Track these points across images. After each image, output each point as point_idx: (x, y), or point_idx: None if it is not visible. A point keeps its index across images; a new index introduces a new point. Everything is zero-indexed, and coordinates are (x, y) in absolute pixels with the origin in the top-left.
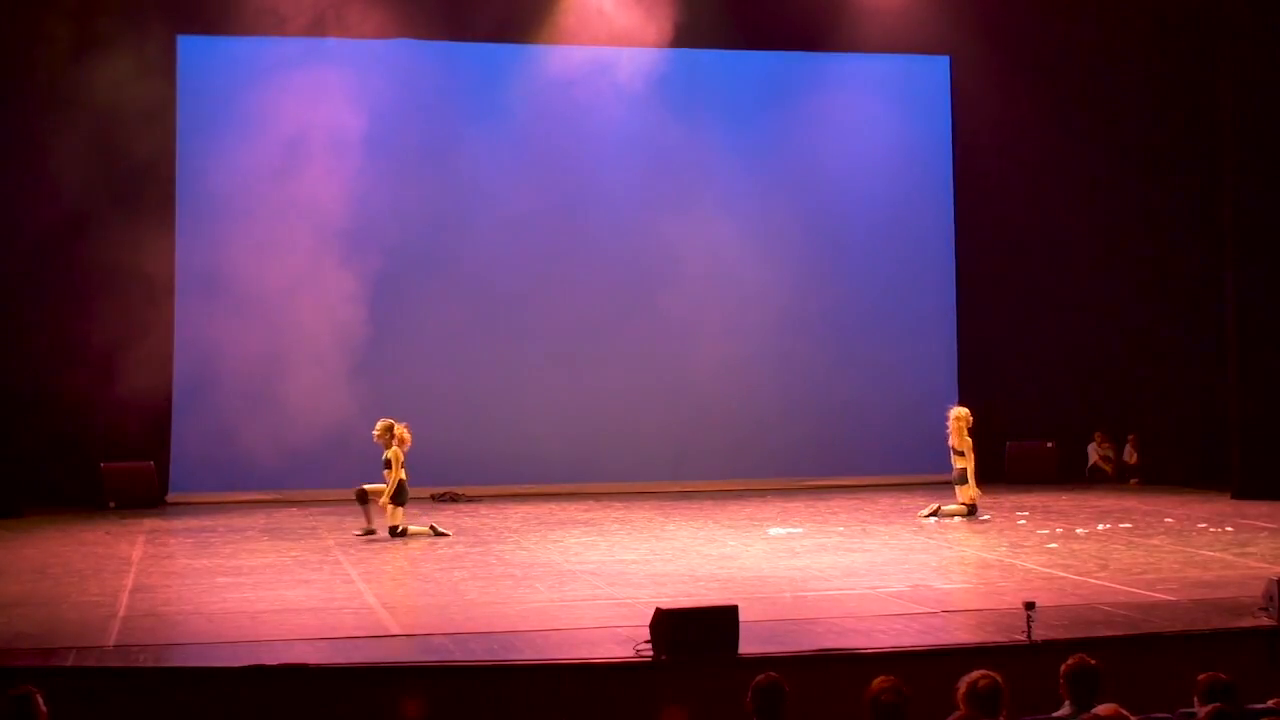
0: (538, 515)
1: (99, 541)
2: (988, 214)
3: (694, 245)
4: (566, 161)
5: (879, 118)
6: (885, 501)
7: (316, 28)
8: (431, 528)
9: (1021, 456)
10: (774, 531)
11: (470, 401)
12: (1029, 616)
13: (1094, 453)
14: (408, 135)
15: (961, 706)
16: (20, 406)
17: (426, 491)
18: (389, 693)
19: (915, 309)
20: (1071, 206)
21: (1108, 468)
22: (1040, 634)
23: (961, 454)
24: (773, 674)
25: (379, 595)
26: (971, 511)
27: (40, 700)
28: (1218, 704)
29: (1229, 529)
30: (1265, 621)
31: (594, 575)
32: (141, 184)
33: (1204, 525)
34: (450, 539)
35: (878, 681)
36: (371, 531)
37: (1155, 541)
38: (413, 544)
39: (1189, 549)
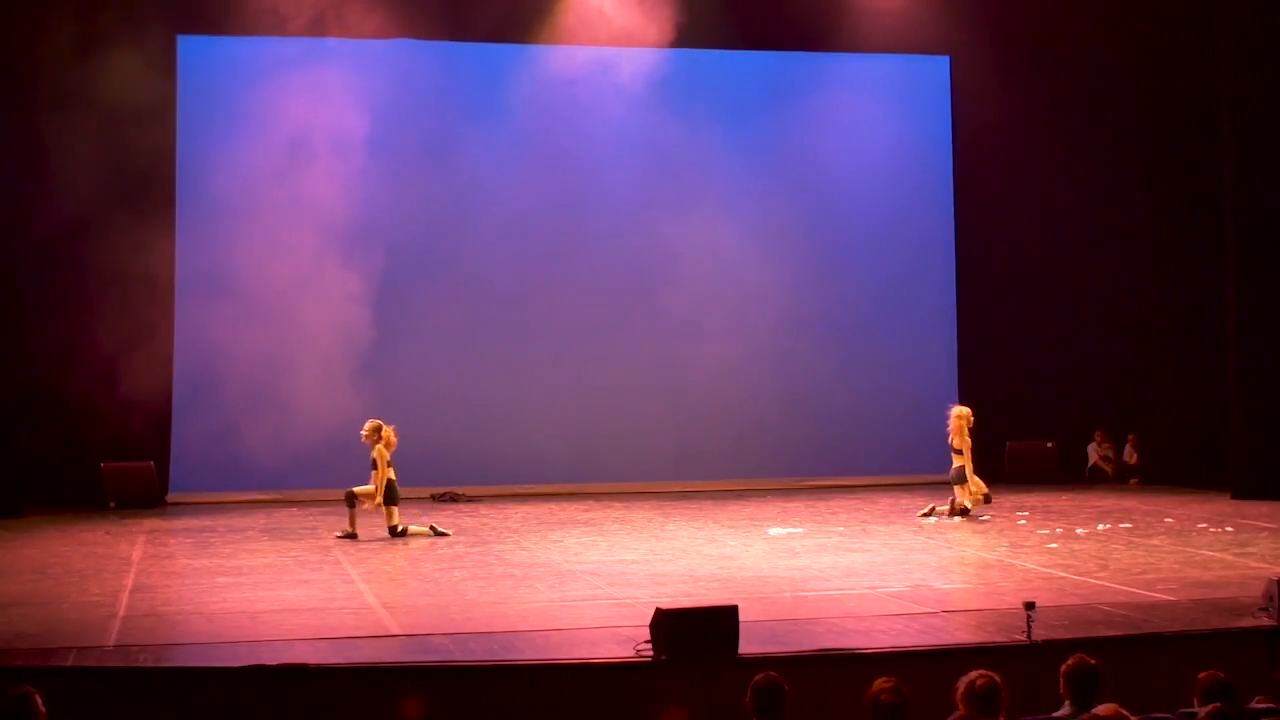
0: (538, 515)
1: (99, 541)
2: (988, 214)
3: (694, 245)
4: (567, 161)
5: (879, 118)
6: (885, 501)
7: (317, 28)
8: (431, 528)
9: (1021, 456)
10: (774, 531)
11: (470, 401)
12: (1029, 616)
13: (1094, 453)
14: (408, 135)
15: (961, 706)
16: (20, 406)
17: (426, 491)
18: (389, 693)
19: (915, 309)
20: (1071, 206)
21: (1108, 468)
22: (1040, 634)
23: (960, 452)
24: (772, 673)
25: (379, 595)
26: (964, 513)
27: (39, 700)
28: (1218, 704)
29: (1229, 529)
30: (1265, 621)
31: (594, 575)
32: (142, 184)
33: (1204, 525)
34: (450, 539)
35: (878, 682)
36: (353, 535)
37: (1155, 541)
38: (413, 544)
39: (1189, 549)
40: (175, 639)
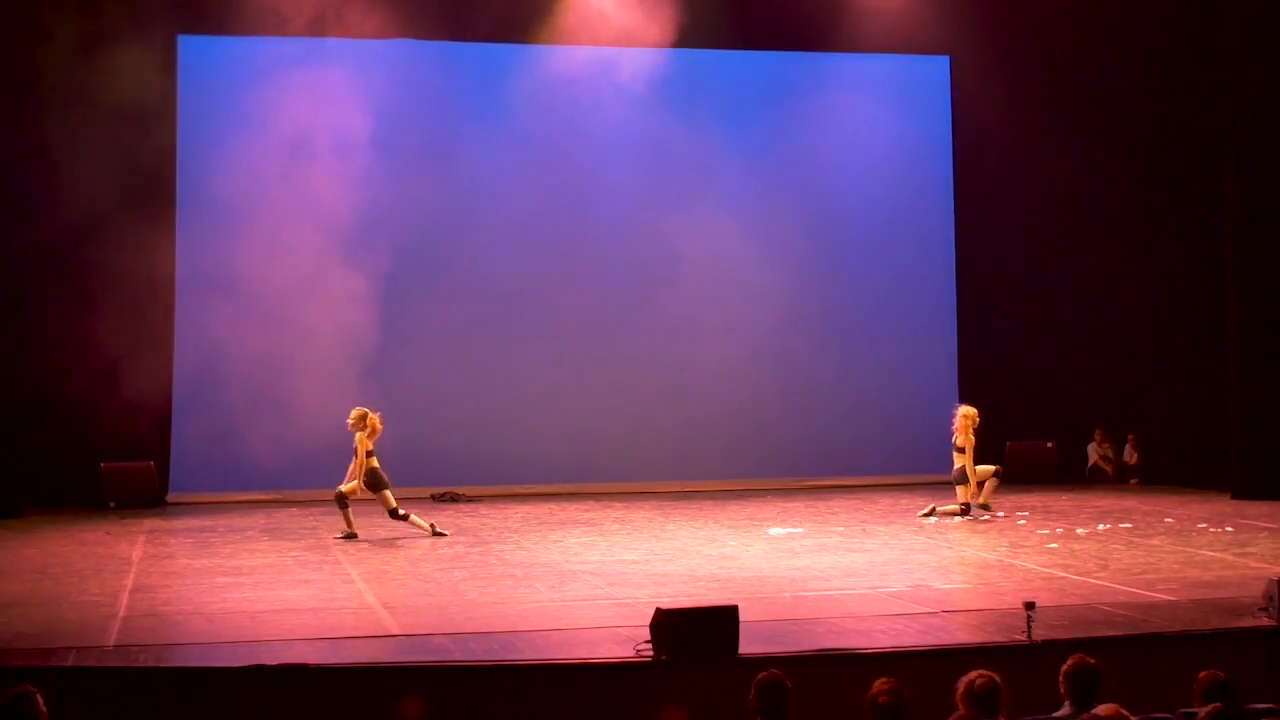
0: (538, 515)
1: (99, 541)
2: (988, 214)
3: (695, 245)
4: (567, 161)
5: (879, 118)
6: (885, 501)
7: (317, 28)
8: (432, 525)
9: (1021, 456)
10: (774, 531)
11: (470, 401)
12: (1029, 616)
13: (1094, 453)
14: (409, 135)
15: (961, 706)
16: (21, 406)
17: (427, 491)
18: (389, 693)
19: (915, 309)
20: (1071, 206)
21: (1108, 468)
22: (1040, 634)
23: (962, 451)
24: (776, 671)
25: (379, 595)
26: (965, 512)
27: (41, 700)
28: (1218, 704)
29: (1229, 529)
30: (1265, 621)
31: (594, 575)
32: (143, 184)
33: (1204, 525)
34: (450, 539)
35: (877, 683)
36: (353, 535)
37: (1155, 541)
38: (413, 544)
39: (1189, 549)
40: (175, 639)
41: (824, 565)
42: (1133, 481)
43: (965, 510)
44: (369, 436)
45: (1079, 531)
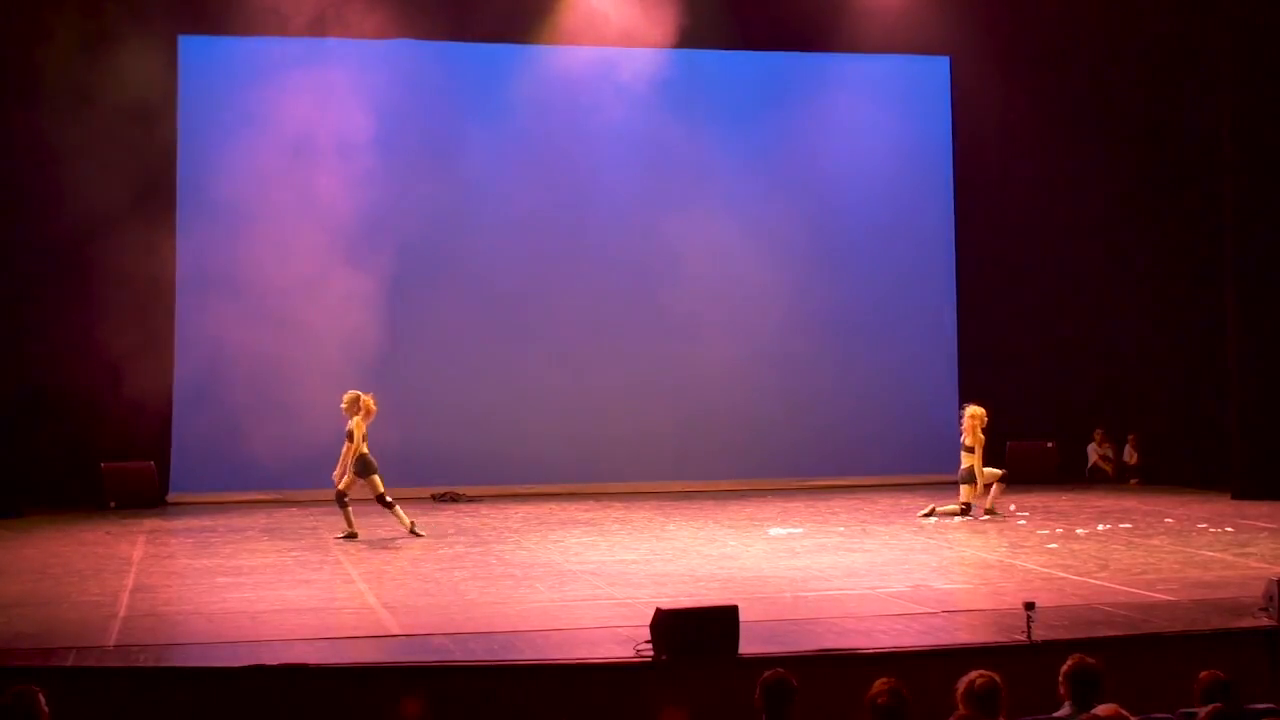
0: (538, 515)
1: (99, 541)
2: (988, 214)
3: (695, 245)
4: (568, 162)
5: (879, 118)
6: (885, 501)
7: (318, 28)
8: (411, 524)
9: (1021, 456)
10: (774, 531)
11: (470, 401)
12: (1029, 617)
13: (1094, 453)
14: (410, 135)
15: (961, 706)
16: (21, 406)
17: (427, 491)
18: (389, 693)
19: (915, 309)
20: (1071, 207)
21: (1108, 468)
22: (1040, 634)
23: (970, 451)
24: (781, 670)
25: (379, 595)
26: (966, 511)
27: (42, 699)
28: (1218, 704)
29: (1229, 529)
30: (1265, 621)
31: (594, 575)
32: (143, 184)
33: (1204, 525)
34: (450, 539)
35: (878, 684)
36: (353, 535)
37: (1155, 541)
38: (413, 544)
39: (1189, 549)
40: (175, 639)
41: (824, 565)
42: (1133, 481)
43: (966, 510)
44: (363, 419)
45: (1079, 532)
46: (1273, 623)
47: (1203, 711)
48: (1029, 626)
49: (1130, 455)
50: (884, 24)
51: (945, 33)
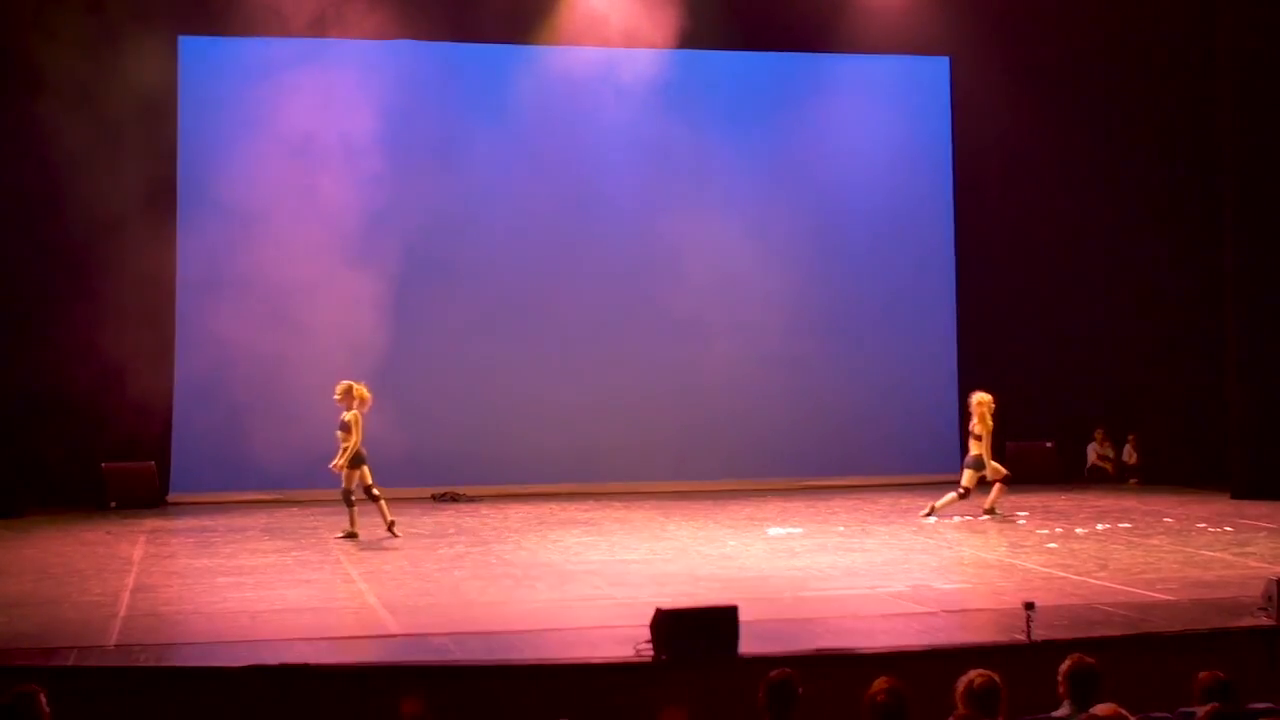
0: (538, 515)
1: (100, 541)
2: (988, 214)
3: (696, 245)
4: (569, 163)
5: (880, 118)
6: (885, 501)
7: (318, 28)
8: (391, 523)
9: (1021, 456)
10: (774, 531)
11: (471, 401)
12: (1029, 616)
13: (1094, 453)
14: (411, 136)
15: (960, 706)
16: (22, 406)
17: (427, 491)
18: (389, 693)
19: (915, 309)
20: (1071, 207)
21: (1108, 467)
22: (1040, 634)
23: (979, 439)
24: (785, 670)
25: (379, 595)
26: (966, 495)
27: (43, 699)
28: (1217, 704)
29: (1229, 529)
30: (1265, 621)
31: (594, 575)
32: (144, 184)
33: (1204, 525)
34: (450, 539)
35: (878, 683)
36: (354, 535)
37: (1155, 541)
38: (412, 544)
39: (1189, 549)
40: (176, 639)
41: (824, 565)
42: (1132, 481)
43: (966, 494)
44: (359, 408)
45: (1078, 531)
46: (1272, 622)
47: (1202, 711)
48: (1028, 626)
49: (1130, 455)
50: (884, 24)
51: (945, 33)
